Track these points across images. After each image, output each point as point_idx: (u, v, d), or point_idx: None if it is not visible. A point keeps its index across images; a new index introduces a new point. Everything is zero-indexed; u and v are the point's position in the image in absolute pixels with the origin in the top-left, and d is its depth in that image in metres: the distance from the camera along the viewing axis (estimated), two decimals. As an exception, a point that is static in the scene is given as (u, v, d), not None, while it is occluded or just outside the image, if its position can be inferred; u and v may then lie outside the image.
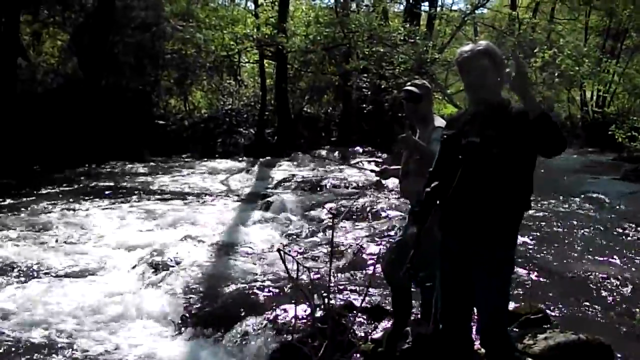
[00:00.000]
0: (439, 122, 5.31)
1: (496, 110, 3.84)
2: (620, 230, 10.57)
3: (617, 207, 12.76)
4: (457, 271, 4.01)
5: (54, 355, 5.82)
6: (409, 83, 5.58)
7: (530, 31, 21.45)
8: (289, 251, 7.96)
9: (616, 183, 16.30)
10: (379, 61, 19.93)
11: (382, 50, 19.40)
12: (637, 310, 6.13)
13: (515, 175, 3.76)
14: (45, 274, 8.25)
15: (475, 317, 4.08)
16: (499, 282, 3.90)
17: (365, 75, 21.95)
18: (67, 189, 14.81)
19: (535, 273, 7.71)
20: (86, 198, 13.48)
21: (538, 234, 9.94)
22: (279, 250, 3.89)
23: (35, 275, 8.18)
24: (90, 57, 21.22)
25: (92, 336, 6.24)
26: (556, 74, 17.60)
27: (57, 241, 9.88)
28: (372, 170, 6.25)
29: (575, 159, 21.98)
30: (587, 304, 6.81)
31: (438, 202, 4.05)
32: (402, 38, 19.90)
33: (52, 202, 12.88)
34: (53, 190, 14.37)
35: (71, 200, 13.18)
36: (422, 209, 4.11)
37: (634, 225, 10.89)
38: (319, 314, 5.02)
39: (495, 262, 3.86)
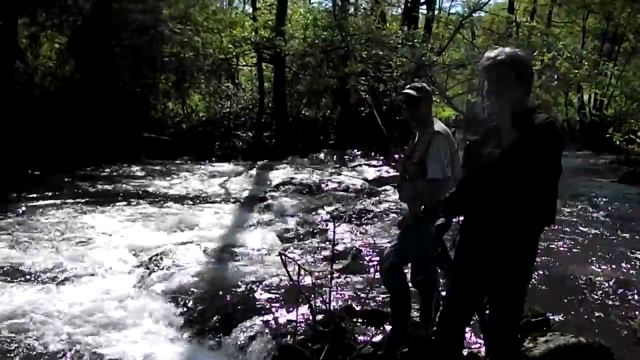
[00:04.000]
0: (438, 126, 5.31)
1: (517, 121, 3.72)
2: (620, 233, 10.56)
3: (616, 209, 12.76)
4: (467, 280, 4.00)
5: (51, 358, 5.79)
6: (407, 86, 5.58)
7: (527, 34, 21.50)
8: (289, 255, 7.95)
9: (614, 185, 16.30)
10: (376, 64, 19.95)
11: (380, 52, 19.41)
12: (638, 313, 6.12)
13: (533, 189, 3.65)
14: (42, 277, 8.20)
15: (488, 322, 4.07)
16: (514, 295, 3.86)
17: (363, 78, 21.95)
18: (64, 192, 14.75)
19: (536, 276, 7.69)
20: (83, 201, 13.45)
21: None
22: (280, 254, 3.89)
23: (32, 278, 8.14)
24: (88, 60, 21.18)
25: (91, 340, 6.21)
26: (555, 77, 17.65)
27: (53, 244, 9.83)
28: (365, 180, 6.35)
29: (573, 162, 21.96)
30: (588, 307, 6.81)
31: (458, 209, 4.03)
32: (400, 41, 19.93)
33: (49, 205, 12.86)
34: (50, 194, 14.29)
35: (68, 203, 13.16)
36: (444, 215, 4.09)
37: (632, 228, 10.90)
38: (320, 317, 5.02)
39: (512, 276, 3.82)
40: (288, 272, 3.72)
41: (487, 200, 3.76)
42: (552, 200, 3.79)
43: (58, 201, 13.38)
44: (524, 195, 3.65)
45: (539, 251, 3.97)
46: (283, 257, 3.80)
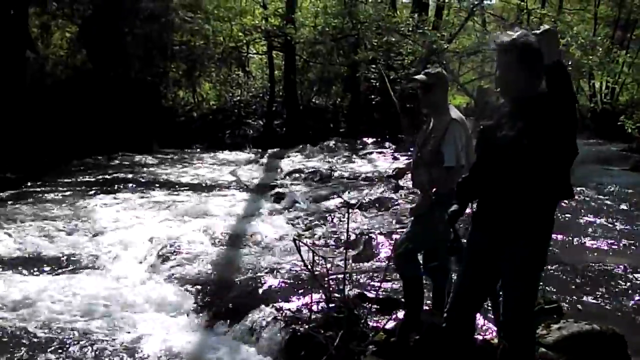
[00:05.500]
0: (455, 113, 5.27)
1: (528, 104, 3.70)
2: (632, 221, 10.53)
3: (627, 198, 12.70)
4: (480, 266, 3.99)
5: (63, 346, 5.78)
6: (423, 72, 5.56)
7: (539, 22, 21.31)
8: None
9: (626, 174, 16.25)
10: (387, 52, 19.85)
11: (393, 39, 19.30)
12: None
13: (547, 168, 3.63)
14: (55, 265, 8.23)
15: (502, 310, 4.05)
16: (527, 279, 3.84)
17: (374, 66, 21.86)
18: (76, 180, 14.82)
19: (548, 264, 7.66)
20: (95, 190, 13.48)
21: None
22: (294, 239, 3.90)
23: (44, 266, 8.15)
24: (99, 49, 21.23)
25: (102, 327, 6.22)
26: (569, 62, 17.50)
27: (66, 232, 9.86)
28: (389, 176, 6.35)
29: (584, 150, 21.84)
30: (601, 294, 6.79)
31: (471, 194, 4.03)
32: (410, 29, 19.80)
33: (61, 194, 12.92)
34: (62, 182, 14.36)
35: (80, 192, 13.20)
36: (458, 200, 4.08)
37: (645, 216, 10.87)
38: (333, 304, 5.02)
39: (526, 259, 3.80)
40: (302, 257, 3.72)
41: (502, 181, 3.76)
42: (567, 175, 3.76)
43: (70, 189, 13.43)
44: (538, 176, 3.64)
45: (552, 239, 3.95)
46: (297, 242, 3.80)
